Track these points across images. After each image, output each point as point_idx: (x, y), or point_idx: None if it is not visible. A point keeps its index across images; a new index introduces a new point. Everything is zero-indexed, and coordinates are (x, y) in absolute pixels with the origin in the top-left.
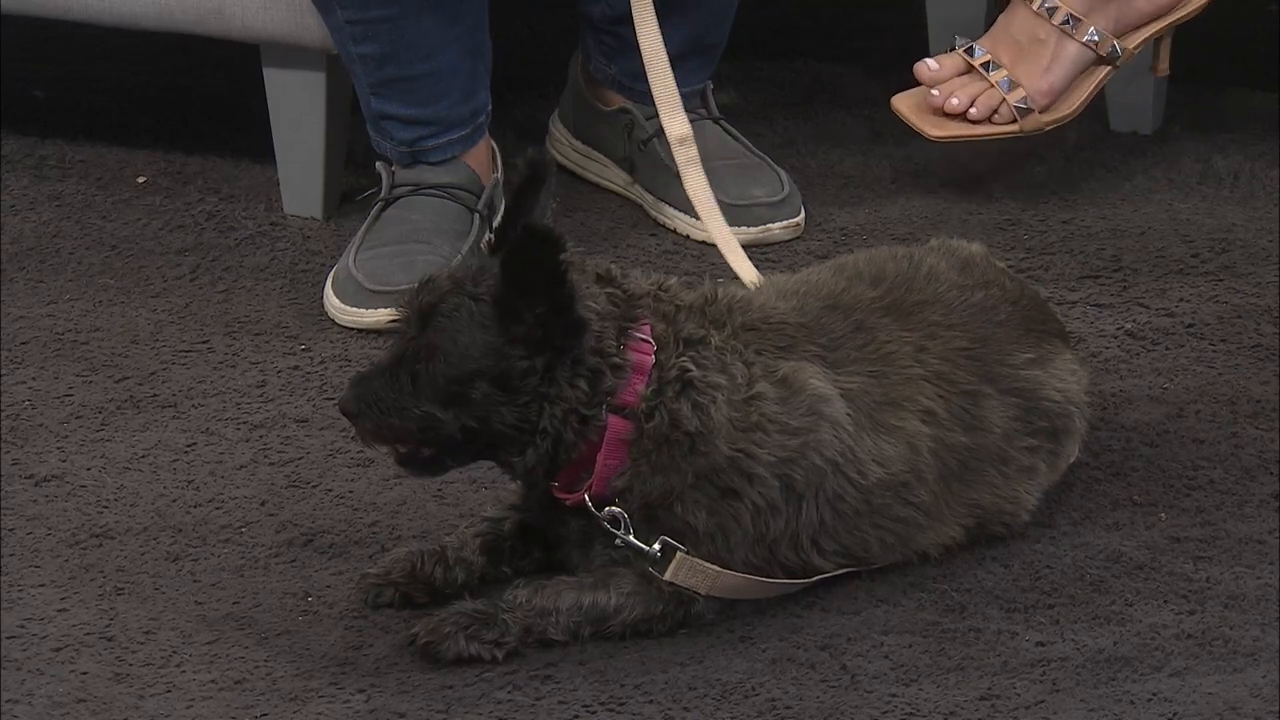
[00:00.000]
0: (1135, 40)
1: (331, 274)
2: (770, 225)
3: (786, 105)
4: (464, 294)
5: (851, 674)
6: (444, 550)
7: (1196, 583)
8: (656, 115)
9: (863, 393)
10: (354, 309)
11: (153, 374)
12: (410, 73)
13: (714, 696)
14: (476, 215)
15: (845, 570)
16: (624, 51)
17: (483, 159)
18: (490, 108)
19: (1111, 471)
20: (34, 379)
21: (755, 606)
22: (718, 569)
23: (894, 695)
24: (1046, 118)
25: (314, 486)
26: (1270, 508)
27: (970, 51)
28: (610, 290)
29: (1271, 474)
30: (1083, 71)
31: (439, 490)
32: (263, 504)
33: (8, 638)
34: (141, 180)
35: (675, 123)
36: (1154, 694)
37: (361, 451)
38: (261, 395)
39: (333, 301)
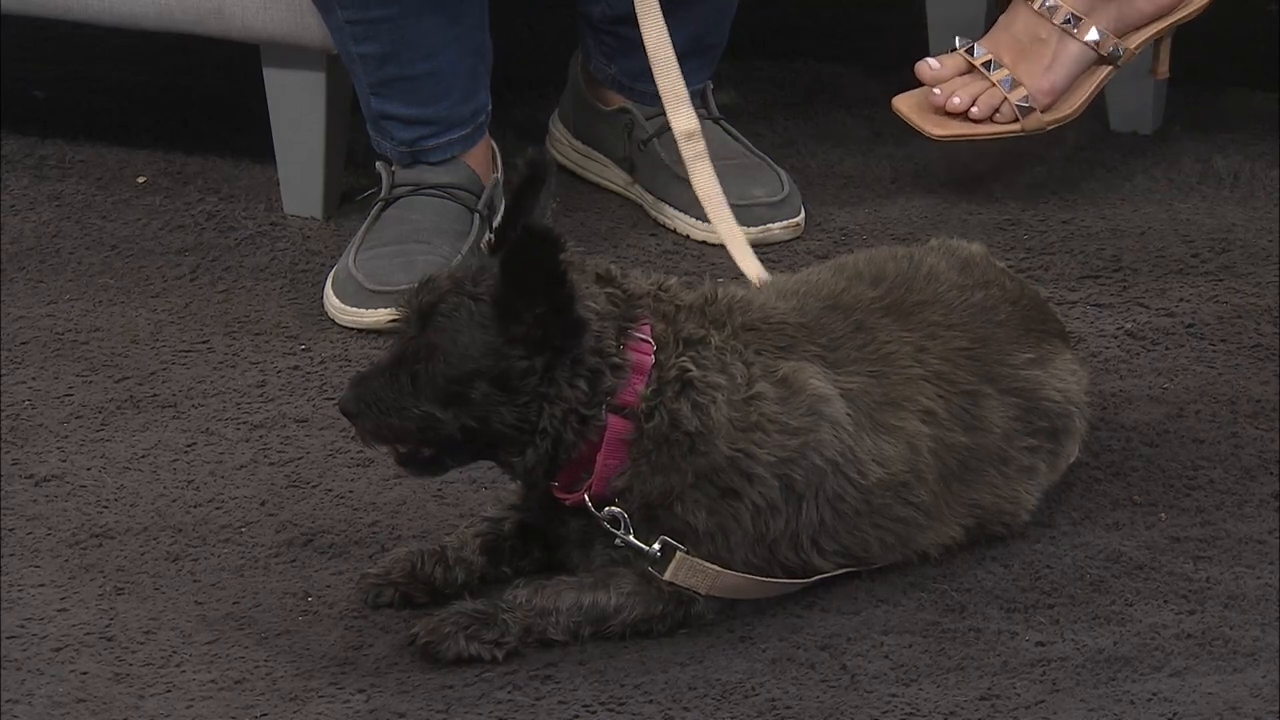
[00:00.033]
0: (1136, 40)
1: (331, 274)
2: (770, 225)
3: (786, 105)
4: (464, 294)
5: (851, 674)
6: (444, 550)
7: (1196, 583)
8: (656, 115)
9: (863, 393)
10: (354, 309)
11: (153, 374)
12: (410, 72)
13: (714, 696)
14: (476, 215)
15: (845, 570)
16: (624, 51)
17: (483, 159)
18: (490, 108)
19: (1111, 471)
20: (34, 379)
21: (755, 606)
22: (718, 569)
23: (894, 695)
24: (1048, 117)
25: (314, 486)
26: (1270, 508)
27: (971, 51)
28: (610, 290)
29: (1271, 474)
30: (1084, 71)
31: (439, 490)
32: (263, 504)
33: (8, 638)
34: (141, 180)
35: (681, 118)
36: (1154, 694)
37: (361, 451)
38: (261, 395)
39: (333, 301)
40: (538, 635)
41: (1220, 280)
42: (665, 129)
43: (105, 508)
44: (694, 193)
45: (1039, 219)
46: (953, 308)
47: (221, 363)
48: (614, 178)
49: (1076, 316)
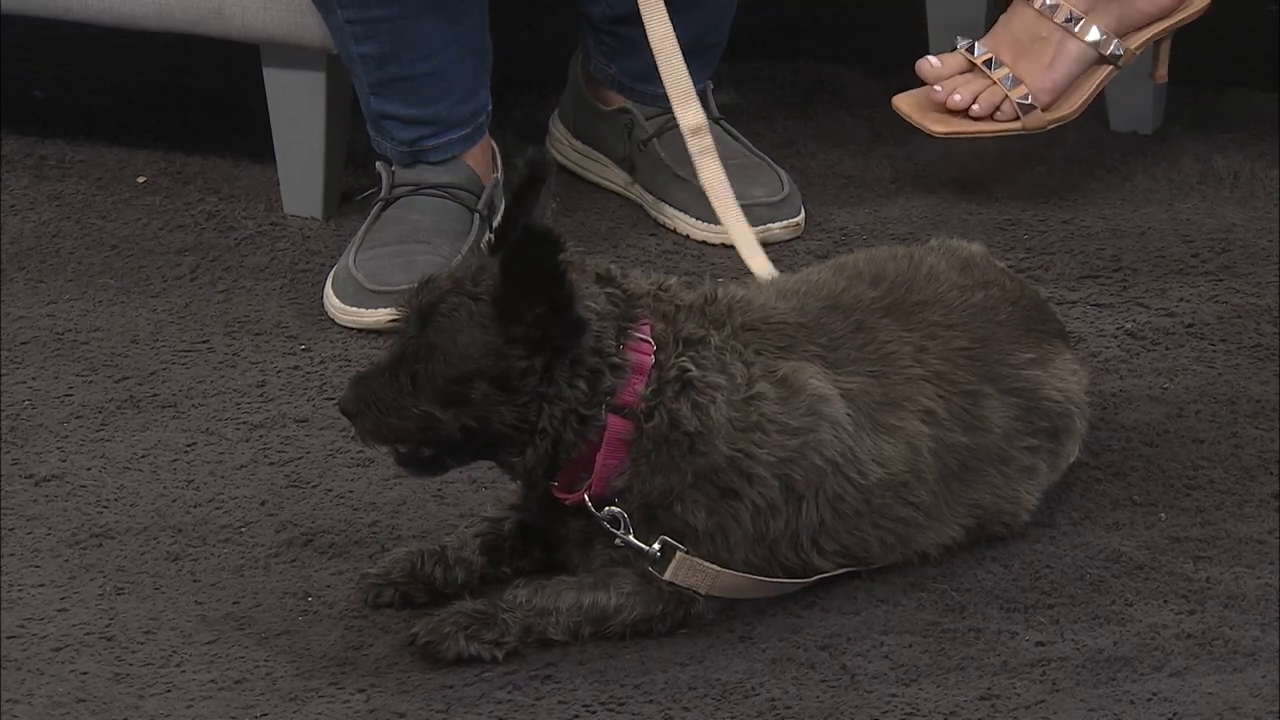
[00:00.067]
0: (1137, 41)
1: (331, 274)
2: (770, 225)
3: (786, 105)
4: (464, 294)
5: (851, 674)
6: (444, 550)
7: (1196, 583)
8: (656, 115)
9: (863, 393)
10: (354, 309)
11: (153, 374)
12: (411, 72)
13: (714, 696)
14: (476, 215)
15: (845, 570)
16: (624, 51)
17: (483, 159)
18: (490, 107)
19: (1111, 471)
20: (34, 379)
21: (755, 606)
22: (718, 569)
23: (894, 695)
24: (1049, 116)
25: (314, 486)
26: (1270, 508)
27: (972, 50)
28: (610, 290)
29: (1271, 474)
30: (1085, 71)
31: (439, 490)
32: (263, 504)
33: (8, 638)
34: (141, 180)
35: (688, 113)
36: (1154, 694)
37: (361, 451)
38: (261, 395)
39: (333, 301)
40: (538, 635)
41: (1220, 280)
42: (665, 129)
43: (105, 508)
44: (693, 193)
45: (1039, 219)
46: (953, 308)
47: (221, 363)
48: (614, 178)
49: (1076, 316)
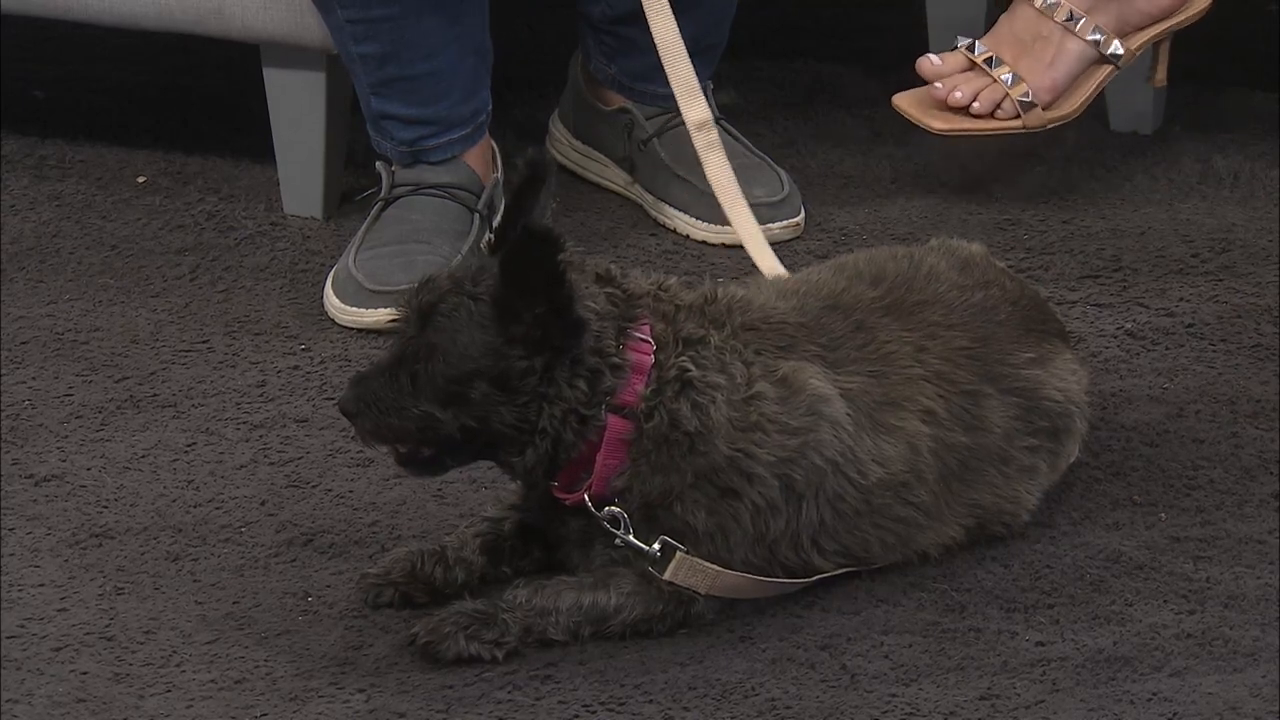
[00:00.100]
0: (1137, 41)
1: (331, 274)
2: (770, 225)
3: (786, 105)
4: (463, 294)
5: (851, 674)
6: (444, 550)
7: (1196, 583)
8: (656, 115)
9: (863, 392)
10: (354, 309)
11: (153, 374)
12: (411, 72)
13: (714, 696)
14: (476, 215)
15: (845, 570)
16: (624, 51)
17: (483, 159)
18: (490, 107)
19: (1111, 471)
20: (34, 379)
21: (755, 606)
22: (718, 569)
23: (894, 695)
24: (1050, 114)
25: (314, 486)
26: (1270, 508)
27: (972, 49)
28: (610, 290)
29: (1271, 474)
30: (1085, 70)
31: (439, 490)
32: (263, 504)
33: (8, 638)
34: (141, 180)
35: (694, 108)
36: (1154, 694)
37: (361, 451)
38: (261, 395)
39: (333, 301)
40: (538, 635)
41: (1220, 280)
42: (665, 129)
43: (105, 508)
44: (693, 193)
45: (1039, 219)
46: (953, 307)
47: (221, 363)
48: (614, 178)
49: (1076, 316)
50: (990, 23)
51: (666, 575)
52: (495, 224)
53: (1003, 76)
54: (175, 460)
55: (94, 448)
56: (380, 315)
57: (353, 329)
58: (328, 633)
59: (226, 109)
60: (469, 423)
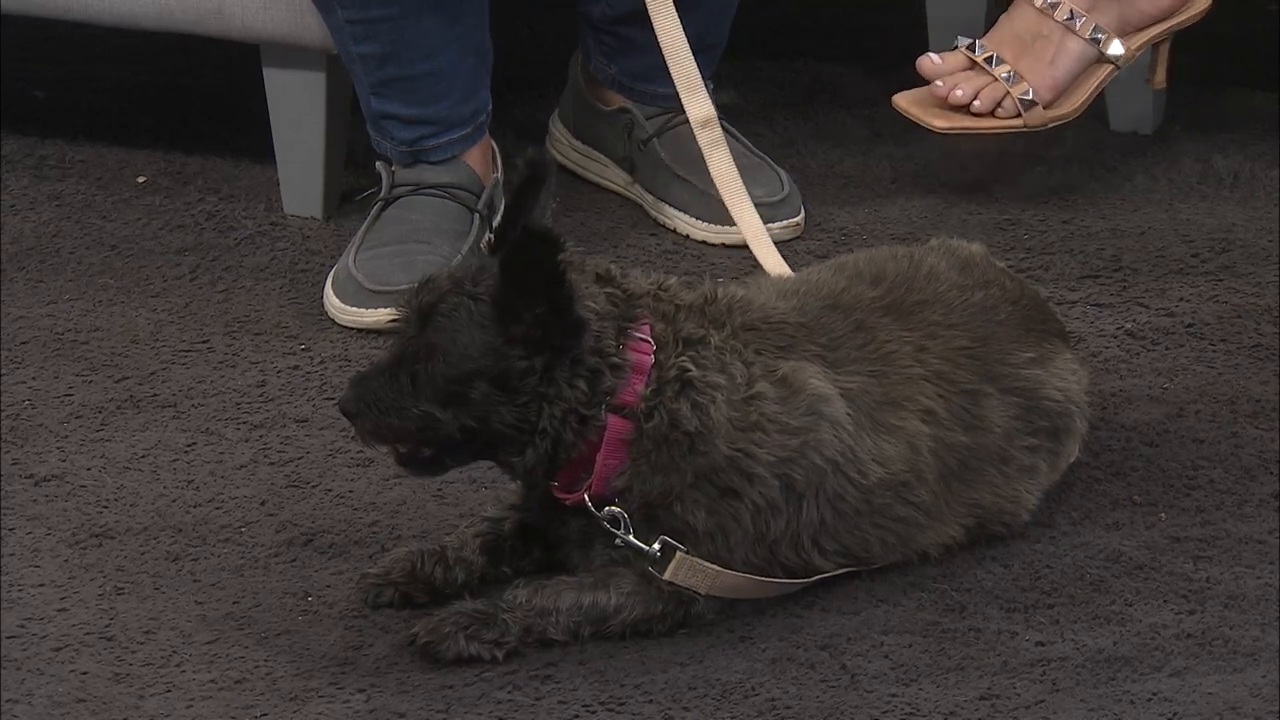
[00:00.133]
0: (1138, 41)
1: (331, 274)
2: (770, 225)
3: (786, 105)
4: (463, 294)
5: (851, 674)
6: (444, 550)
7: (1196, 583)
8: (656, 115)
9: (863, 392)
10: (354, 309)
11: (153, 374)
12: (411, 72)
13: (714, 696)
14: (476, 215)
15: (845, 570)
16: (624, 51)
17: (483, 159)
18: (490, 107)
19: (1111, 471)
20: (34, 379)
21: (755, 606)
22: (718, 569)
23: (894, 695)
24: (1050, 113)
25: (314, 486)
26: (1270, 508)
27: (973, 48)
28: (610, 290)
29: (1271, 474)
30: (1086, 69)
31: (439, 490)
32: (263, 504)
33: (8, 638)
34: (141, 180)
35: (697, 105)
36: (1154, 694)
37: (361, 451)
38: (261, 395)
39: (333, 301)
40: (538, 635)
41: (1220, 280)
42: (665, 129)
43: (105, 508)
44: (693, 193)
45: (1039, 219)
46: (953, 307)
47: (221, 363)
48: (614, 178)
49: (1076, 316)
50: (990, 22)
51: (666, 575)
52: (495, 224)
53: (1003, 75)
54: (175, 460)
55: (94, 448)
56: (380, 315)
57: (353, 329)
58: (328, 633)
59: (226, 109)
60: (469, 423)
